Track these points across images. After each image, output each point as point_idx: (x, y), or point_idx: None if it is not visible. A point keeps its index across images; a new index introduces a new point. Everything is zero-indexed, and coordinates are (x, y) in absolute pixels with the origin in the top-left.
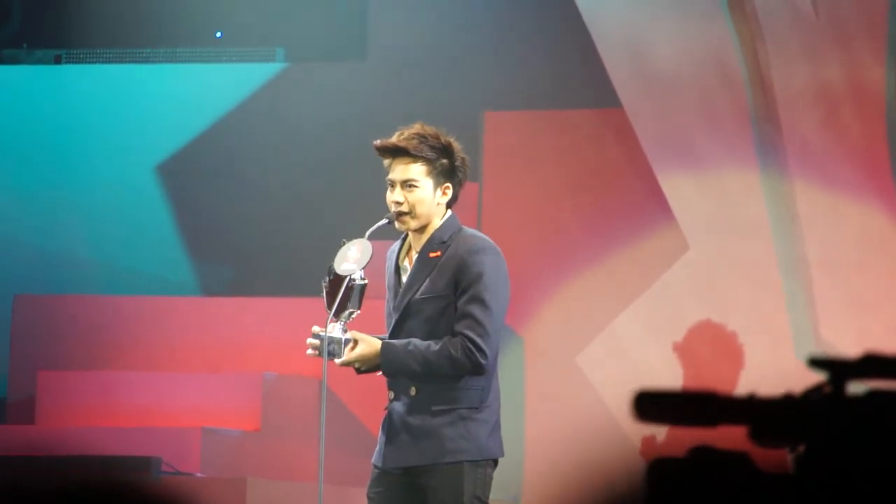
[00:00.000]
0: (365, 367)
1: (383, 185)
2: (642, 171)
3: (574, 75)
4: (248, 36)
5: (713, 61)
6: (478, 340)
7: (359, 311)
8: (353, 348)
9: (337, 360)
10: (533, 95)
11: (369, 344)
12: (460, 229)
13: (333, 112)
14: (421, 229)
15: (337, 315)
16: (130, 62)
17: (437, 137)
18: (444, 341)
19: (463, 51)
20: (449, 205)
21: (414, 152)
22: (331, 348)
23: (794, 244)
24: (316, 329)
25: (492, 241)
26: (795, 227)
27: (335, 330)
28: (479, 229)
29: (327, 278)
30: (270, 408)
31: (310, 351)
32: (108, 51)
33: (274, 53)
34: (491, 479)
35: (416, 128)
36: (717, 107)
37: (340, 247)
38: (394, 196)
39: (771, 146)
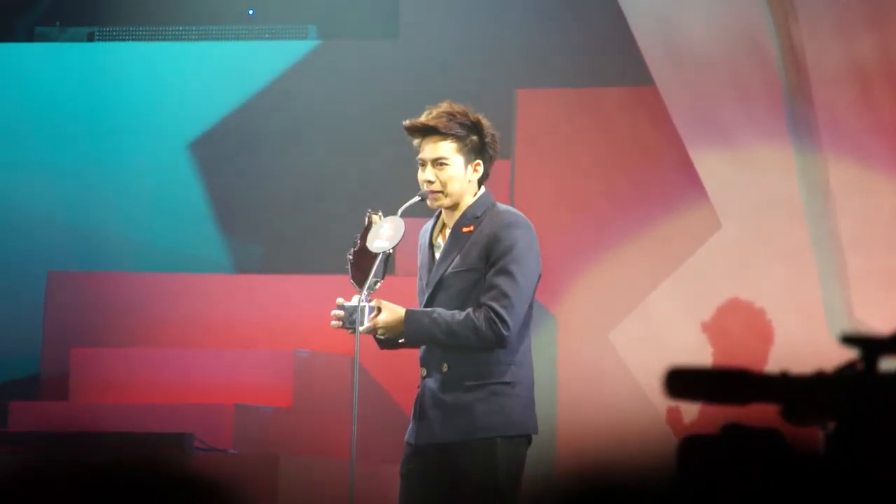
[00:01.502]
0: (388, 334)
1: (415, 162)
2: (675, 148)
3: (606, 53)
4: (280, 13)
5: (746, 39)
6: (501, 312)
7: (382, 280)
8: (377, 316)
9: (360, 328)
10: (565, 73)
11: (392, 311)
12: (494, 205)
13: (366, 90)
14: (454, 206)
15: (360, 285)
16: (163, 40)
17: (465, 115)
18: (469, 311)
19: (495, 28)
20: (481, 181)
21: (443, 130)
22: (355, 318)
23: (826, 222)
24: (340, 301)
25: (524, 217)
26: (828, 204)
27: (360, 300)
28: (512, 206)
29: (352, 249)
30: (303, 385)
31: (334, 322)
32: (140, 28)
33: (306, 31)
34: (524, 456)
35: (445, 106)
36: (750, 84)
37: (367, 217)
38: (425, 175)
39: (804, 124)
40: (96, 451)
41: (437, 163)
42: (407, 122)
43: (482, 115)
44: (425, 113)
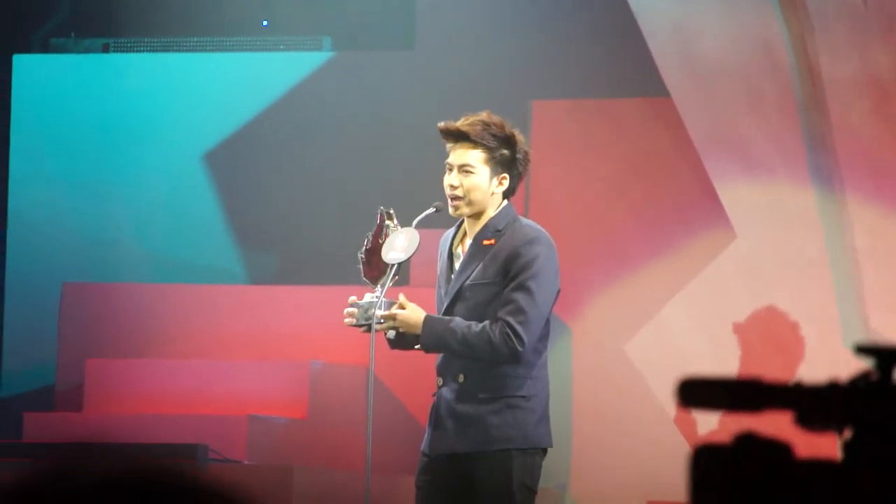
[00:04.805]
0: (405, 330)
1: (430, 174)
2: (690, 160)
3: (622, 64)
4: (295, 24)
5: (761, 50)
6: (517, 327)
7: (397, 277)
8: (400, 307)
9: (378, 312)
10: (581, 85)
11: (414, 311)
12: (516, 219)
13: (381, 101)
14: (476, 216)
15: (375, 282)
16: (178, 51)
17: (501, 127)
18: (486, 325)
19: (511, 40)
20: (506, 195)
21: (475, 138)
22: (371, 313)
23: (842, 233)
24: (353, 299)
25: (546, 233)
26: (844, 215)
27: (375, 296)
28: (527, 217)
29: (364, 248)
30: (317, 396)
31: (348, 320)
32: (155, 40)
33: (321, 42)
34: (540, 468)
35: (483, 115)
36: (766, 96)
37: (378, 214)
38: (450, 179)
39: (819, 135)
40: (110, 462)
41: (463, 169)
42: (442, 125)
43: (518, 130)
44: (462, 118)
